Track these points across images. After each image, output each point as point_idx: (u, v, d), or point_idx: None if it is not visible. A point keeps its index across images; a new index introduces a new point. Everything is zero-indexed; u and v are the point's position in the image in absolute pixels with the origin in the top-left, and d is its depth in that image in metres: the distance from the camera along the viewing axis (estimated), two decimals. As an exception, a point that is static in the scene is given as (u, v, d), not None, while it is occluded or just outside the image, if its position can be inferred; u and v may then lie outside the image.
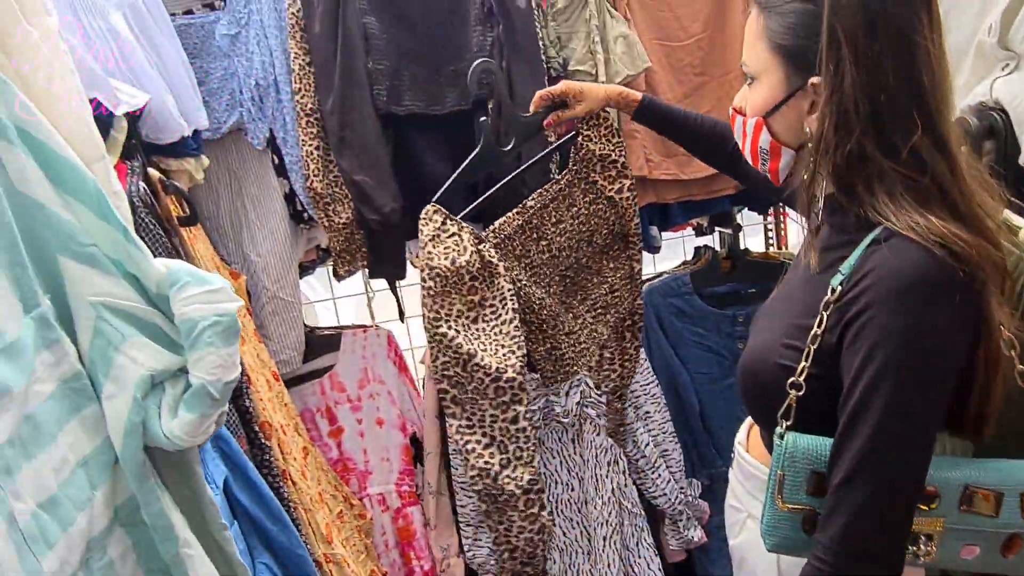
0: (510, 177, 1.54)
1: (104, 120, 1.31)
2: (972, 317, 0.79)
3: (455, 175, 1.45)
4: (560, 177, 1.52)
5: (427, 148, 1.75)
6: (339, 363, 1.88)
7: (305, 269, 1.94)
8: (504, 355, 1.38)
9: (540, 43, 1.73)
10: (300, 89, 1.67)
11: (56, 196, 0.64)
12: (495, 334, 1.38)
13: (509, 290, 1.39)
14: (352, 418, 1.88)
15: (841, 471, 0.79)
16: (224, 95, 1.71)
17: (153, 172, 1.36)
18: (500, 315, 1.39)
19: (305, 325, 1.87)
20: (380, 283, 1.95)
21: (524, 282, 1.47)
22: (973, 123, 1.29)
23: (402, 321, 1.99)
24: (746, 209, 2.09)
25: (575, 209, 1.53)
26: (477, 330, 1.38)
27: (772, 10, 0.91)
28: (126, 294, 0.67)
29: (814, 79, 0.86)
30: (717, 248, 2.06)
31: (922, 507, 0.83)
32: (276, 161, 1.76)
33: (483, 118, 1.43)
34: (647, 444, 1.87)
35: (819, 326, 0.82)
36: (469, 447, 1.42)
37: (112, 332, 0.66)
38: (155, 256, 1.27)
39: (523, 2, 1.73)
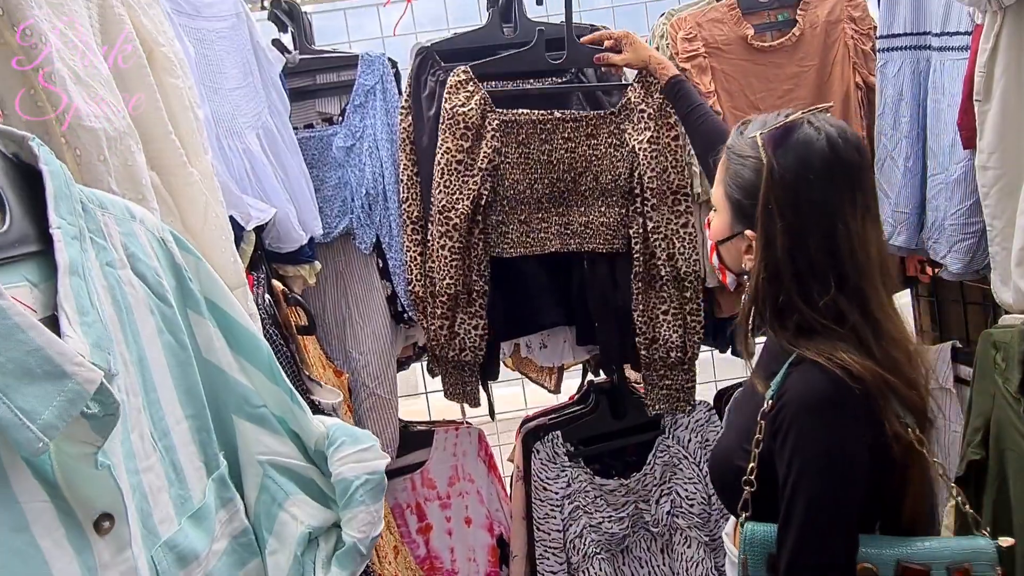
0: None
1: (235, 234, 1.42)
2: (869, 425, 0.93)
3: (496, 56, 1.69)
4: (595, 112, 1.71)
5: (523, 258, 1.81)
6: (431, 460, 1.91)
7: (401, 364, 2.00)
8: (455, 198, 1.62)
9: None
10: (407, 198, 1.76)
11: (235, 361, 0.71)
12: (461, 181, 1.61)
13: (486, 154, 1.61)
14: (441, 515, 1.90)
15: (783, 558, 0.93)
16: (337, 202, 1.82)
17: (276, 284, 1.46)
18: (472, 169, 1.62)
19: (400, 420, 1.92)
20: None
21: (509, 159, 1.65)
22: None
23: (492, 419, 2.02)
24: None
25: (593, 142, 1.70)
26: (460, 172, 1.62)
27: (732, 162, 1.06)
28: (290, 452, 0.72)
29: (749, 232, 1.03)
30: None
31: None
32: (380, 264, 1.85)
33: (542, 28, 1.69)
34: (740, 559, 1.81)
35: (760, 432, 0.97)
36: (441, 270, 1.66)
37: (276, 490, 0.72)
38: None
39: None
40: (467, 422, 1.98)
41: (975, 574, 0.92)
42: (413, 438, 1.92)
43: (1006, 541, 0.95)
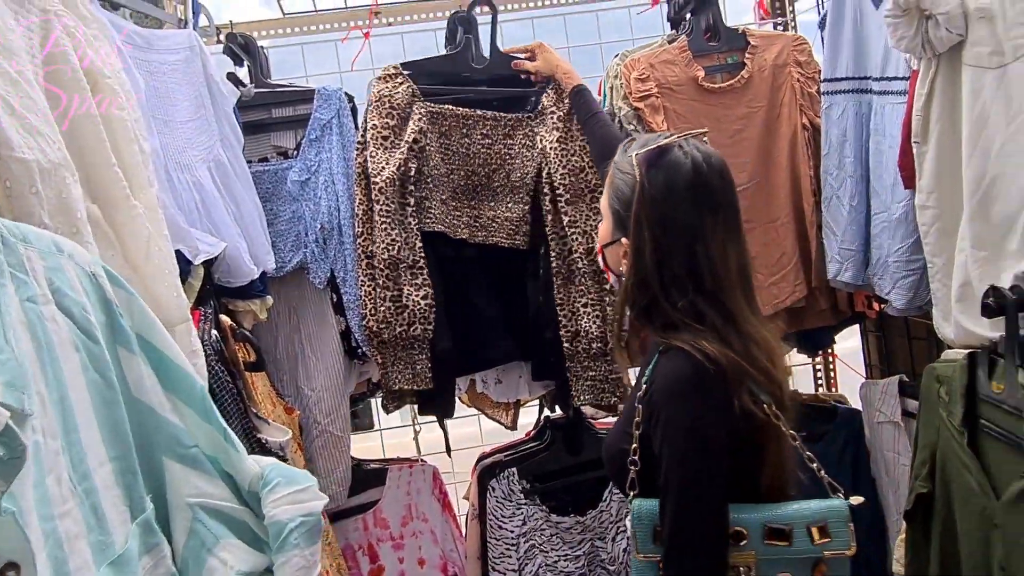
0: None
1: (182, 268, 1.40)
2: (725, 401, 1.02)
3: (430, 57, 1.85)
4: (514, 115, 1.81)
5: (478, 290, 1.82)
6: (384, 499, 1.87)
7: (354, 401, 1.97)
8: (381, 166, 1.70)
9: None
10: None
11: (166, 400, 0.69)
12: (388, 153, 1.71)
13: (412, 131, 1.71)
14: (394, 556, 1.85)
15: (665, 531, 1.02)
16: (291, 236, 1.81)
17: (224, 319, 1.43)
18: (398, 143, 1.71)
19: (352, 458, 1.88)
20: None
21: (432, 145, 1.74)
22: (1027, 291, 1.29)
23: (449, 455, 1.99)
24: (795, 351, 2.09)
25: (509, 142, 1.80)
26: (387, 147, 1.71)
27: (615, 176, 1.16)
28: (221, 493, 0.70)
29: (624, 240, 1.13)
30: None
31: (736, 544, 1.04)
32: (335, 299, 1.83)
33: (468, 35, 1.82)
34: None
35: (638, 416, 1.06)
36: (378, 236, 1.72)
37: (206, 533, 0.69)
38: (219, 399, 1.32)
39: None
40: (421, 459, 1.94)
41: (831, 530, 1.04)
42: (366, 476, 1.88)
43: (856, 500, 1.06)
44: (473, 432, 2.16)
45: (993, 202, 1.38)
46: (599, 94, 2.02)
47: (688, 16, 1.97)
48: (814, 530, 1.04)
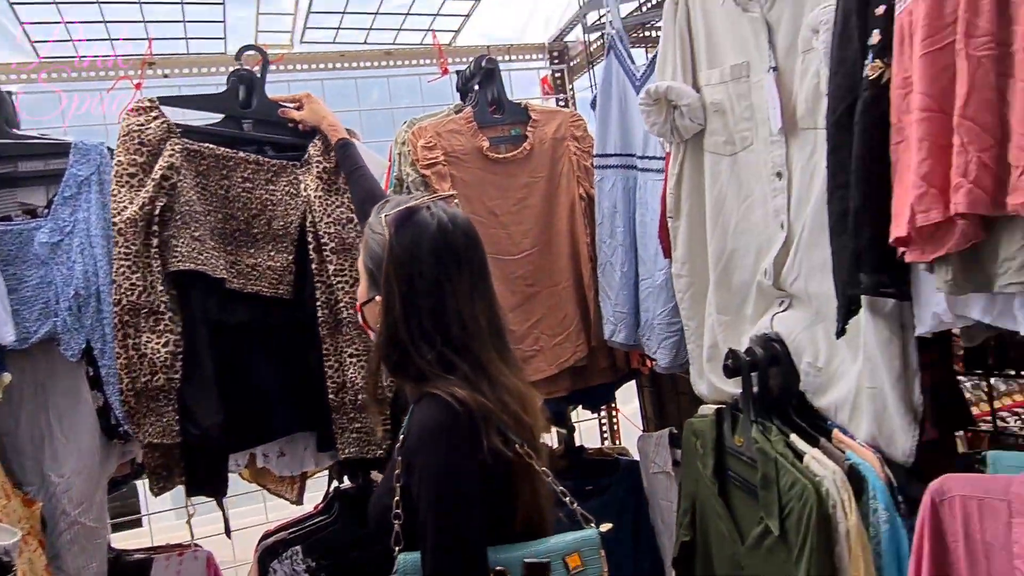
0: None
1: None
2: (476, 443, 1.04)
3: (193, 95, 1.82)
4: (280, 162, 1.79)
5: (257, 359, 1.72)
6: (148, 593, 1.69)
7: (116, 485, 1.78)
8: (126, 203, 1.59)
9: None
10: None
11: None
12: (132, 192, 1.60)
13: (161, 167, 1.61)
14: (159, 659, 1.67)
15: (427, 574, 1.01)
16: (38, 304, 1.61)
17: (-64, 405, 1.24)
18: (144, 182, 1.61)
19: (112, 549, 1.68)
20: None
21: (186, 182, 1.65)
22: (759, 352, 1.45)
23: (228, 537, 1.84)
24: (579, 408, 2.18)
25: (271, 188, 1.77)
26: (133, 186, 1.61)
27: (368, 236, 1.20)
28: None
29: (379, 297, 1.16)
30: (553, 446, 2.12)
31: None
32: (91, 373, 1.65)
33: (236, 79, 1.81)
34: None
35: (398, 468, 1.06)
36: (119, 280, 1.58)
37: None
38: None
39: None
40: (195, 545, 1.78)
41: (584, 559, 1.09)
42: (127, 569, 1.68)
43: (605, 526, 1.13)
44: (257, 509, 2.02)
45: (732, 273, 1.55)
46: (389, 159, 2.04)
47: (475, 88, 2.06)
48: (569, 560, 1.08)
